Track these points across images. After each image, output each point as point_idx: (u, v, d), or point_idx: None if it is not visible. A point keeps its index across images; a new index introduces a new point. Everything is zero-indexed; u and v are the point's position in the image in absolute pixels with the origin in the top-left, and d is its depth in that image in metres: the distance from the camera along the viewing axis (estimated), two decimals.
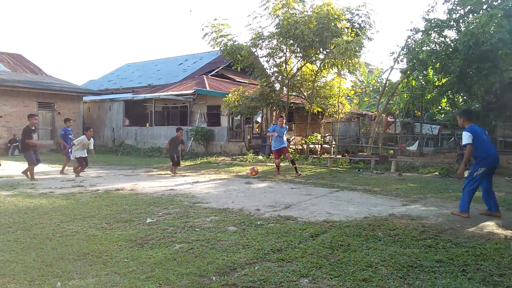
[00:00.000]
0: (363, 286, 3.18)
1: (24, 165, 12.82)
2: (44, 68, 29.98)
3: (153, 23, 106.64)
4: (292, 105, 19.26)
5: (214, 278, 3.32)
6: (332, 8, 15.30)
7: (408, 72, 14.21)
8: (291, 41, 16.14)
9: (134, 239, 4.41)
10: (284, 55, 17.13)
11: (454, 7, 12.89)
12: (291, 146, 17.08)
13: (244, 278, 3.31)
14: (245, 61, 16.77)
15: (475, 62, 11.58)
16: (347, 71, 17.65)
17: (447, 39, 13.14)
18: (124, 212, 5.82)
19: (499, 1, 12.32)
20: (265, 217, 5.56)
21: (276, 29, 16.11)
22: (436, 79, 15.28)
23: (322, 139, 19.38)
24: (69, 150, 11.22)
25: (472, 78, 12.47)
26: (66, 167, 11.48)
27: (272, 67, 17.76)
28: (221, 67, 25.88)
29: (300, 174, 11.03)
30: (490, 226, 5.16)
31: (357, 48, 15.04)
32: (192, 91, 19.90)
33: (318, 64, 17.41)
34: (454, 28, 13.04)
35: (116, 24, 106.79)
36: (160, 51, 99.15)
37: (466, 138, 5.52)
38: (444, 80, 13.86)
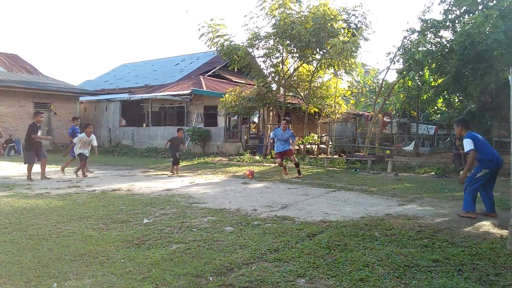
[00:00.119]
0: (360, 286, 3.18)
1: (16, 166, 12.77)
2: (40, 68, 29.82)
3: (149, 23, 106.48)
4: (289, 105, 19.28)
5: (211, 279, 3.32)
6: (328, 8, 15.32)
7: (404, 72, 14.26)
8: (288, 42, 16.16)
9: (131, 240, 4.40)
10: (281, 55, 17.14)
11: (450, 8, 12.94)
12: None
13: (241, 278, 3.31)
14: (241, 62, 16.78)
15: (470, 62, 11.63)
16: (344, 71, 17.71)
17: (443, 40, 13.19)
18: (121, 213, 5.81)
19: (494, 2, 12.38)
20: (262, 217, 5.56)
21: (272, 29, 16.13)
22: (432, 79, 15.33)
23: (319, 139, 19.41)
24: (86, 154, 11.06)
25: (467, 79, 12.52)
26: (66, 168, 11.37)
27: (269, 67, 17.80)
28: (218, 68, 25.88)
29: (301, 176, 10.81)
30: (486, 225, 5.18)
31: (353, 49, 15.08)
32: (189, 91, 19.88)
33: (315, 65, 17.44)
34: (450, 29, 13.09)
35: (113, 24, 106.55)
36: (156, 51, 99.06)
37: (468, 144, 5.54)
38: (440, 81, 13.92)
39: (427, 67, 13.82)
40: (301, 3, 16.36)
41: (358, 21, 16.82)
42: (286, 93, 18.02)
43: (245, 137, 18.99)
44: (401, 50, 13.61)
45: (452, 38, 12.50)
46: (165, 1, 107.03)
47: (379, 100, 17.94)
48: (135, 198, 7.09)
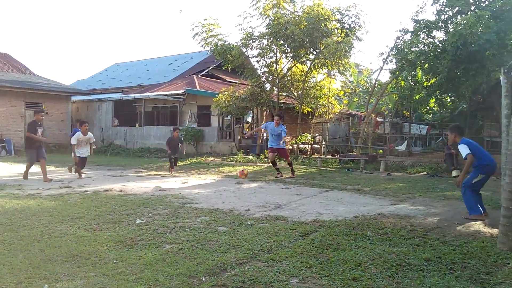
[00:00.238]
0: (353, 285, 3.20)
1: (10, 166, 12.69)
2: (32, 68, 29.61)
3: (143, 23, 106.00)
4: (282, 105, 19.31)
5: (204, 279, 3.31)
6: (322, 8, 15.36)
7: (397, 72, 14.34)
8: (282, 41, 16.17)
9: (124, 240, 4.38)
10: (275, 55, 17.15)
11: (442, 8, 13.04)
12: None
13: (234, 278, 3.31)
14: (235, 61, 16.76)
15: (463, 63, 11.73)
16: (337, 71, 17.75)
17: (436, 40, 13.29)
18: (113, 213, 5.77)
19: (486, 3, 12.50)
20: (255, 217, 5.57)
21: (266, 29, 16.13)
22: (424, 79, 15.45)
23: (312, 139, 19.46)
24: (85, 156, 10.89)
25: (460, 79, 12.63)
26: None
27: (263, 67, 17.80)
28: (211, 67, 25.82)
29: (294, 175, 10.76)
30: (477, 224, 5.23)
31: (347, 49, 15.13)
32: (182, 91, 19.83)
33: (308, 65, 17.48)
34: (443, 29, 13.18)
35: (105, 24, 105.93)
36: (149, 51, 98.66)
37: (465, 149, 5.55)
38: (432, 81, 14.03)
39: (419, 67, 13.92)
40: (295, 3, 16.40)
41: (352, 21, 16.90)
42: (280, 93, 18.04)
43: (239, 137, 18.98)
44: (394, 50, 13.68)
45: (444, 39, 12.60)
46: (158, 0, 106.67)
47: (372, 100, 18.04)
48: (128, 199, 7.05)
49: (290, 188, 8.66)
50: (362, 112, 24.31)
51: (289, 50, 16.74)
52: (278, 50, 16.88)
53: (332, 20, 15.88)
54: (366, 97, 21.26)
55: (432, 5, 13.23)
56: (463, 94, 14.06)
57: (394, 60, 14.13)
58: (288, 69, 17.93)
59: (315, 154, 18.33)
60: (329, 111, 19.57)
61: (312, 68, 17.38)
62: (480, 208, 5.57)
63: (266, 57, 17.24)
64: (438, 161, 12.52)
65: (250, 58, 17.80)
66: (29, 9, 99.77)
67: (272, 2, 15.86)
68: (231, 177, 10.58)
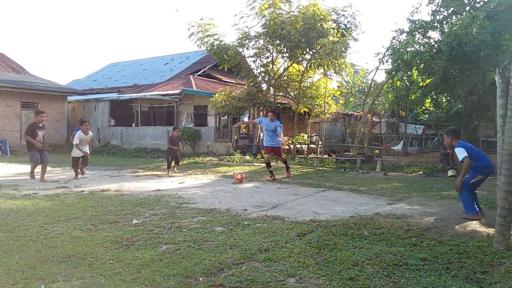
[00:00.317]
0: (350, 285, 3.20)
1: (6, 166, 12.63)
2: (27, 68, 29.46)
3: (139, 23, 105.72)
4: (279, 105, 19.31)
5: (201, 279, 3.31)
6: (318, 8, 15.38)
7: (393, 72, 14.38)
8: (278, 41, 16.18)
9: (120, 241, 4.37)
10: (271, 55, 17.16)
11: (438, 9, 13.08)
12: None
13: (231, 278, 3.31)
14: (231, 61, 16.75)
15: (458, 63, 11.77)
16: (333, 71, 17.78)
17: (431, 40, 13.33)
18: (110, 213, 5.75)
19: (481, 3, 12.55)
20: (252, 217, 5.56)
21: (262, 29, 16.13)
22: (420, 79, 15.49)
23: (309, 139, 19.48)
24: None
25: (455, 79, 12.68)
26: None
27: (259, 67, 17.78)
28: (207, 67, 25.80)
29: (290, 175, 10.74)
30: (473, 224, 5.25)
31: (343, 49, 15.17)
32: (179, 91, 19.79)
33: (305, 65, 17.50)
34: (438, 29, 13.23)
35: (102, 24, 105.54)
36: (146, 51, 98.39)
37: (462, 152, 5.56)
38: (428, 81, 14.07)
39: (415, 68, 13.96)
40: (291, 3, 16.40)
41: (348, 21, 16.93)
42: (276, 93, 18.04)
43: (235, 137, 18.96)
44: (389, 50, 13.73)
45: (440, 39, 12.64)
46: (154, 0, 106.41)
47: (368, 100, 18.10)
48: (124, 199, 7.03)
49: (287, 188, 8.66)
50: (358, 112, 24.38)
51: (285, 50, 16.75)
52: (275, 50, 16.88)
53: (328, 20, 15.90)
54: (362, 97, 21.34)
55: (427, 5, 13.27)
56: (459, 94, 14.11)
57: (390, 60, 14.18)
58: (285, 69, 17.94)
59: (312, 154, 18.36)
60: (326, 111, 19.60)
61: (309, 68, 17.41)
62: (476, 208, 5.61)
63: (263, 57, 17.25)
64: (434, 160, 12.57)
65: (246, 58, 17.80)
66: (24, 9, 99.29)
67: (268, 2, 15.86)
68: (228, 177, 10.57)
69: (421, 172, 11.86)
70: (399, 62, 13.24)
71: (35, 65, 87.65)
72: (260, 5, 15.89)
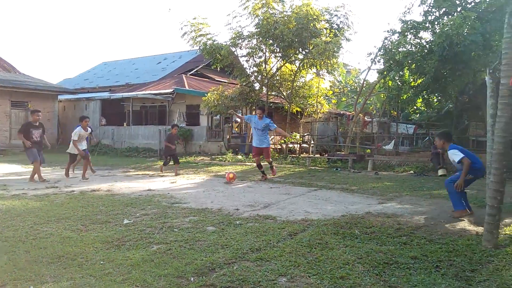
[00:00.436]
0: (340, 284, 3.22)
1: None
2: (17, 66, 29.14)
3: (131, 21, 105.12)
4: (271, 104, 19.34)
5: (192, 279, 3.30)
6: (311, 8, 15.42)
7: (385, 72, 14.46)
8: (271, 41, 16.19)
9: (111, 241, 4.34)
10: (264, 55, 17.17)
11: (429, 9, 13.15)
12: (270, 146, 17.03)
13: (223, 278, 3.30)
14: (224, 61, 16.75)
15: (449, 63, 11.87)
16: (326, 71, 17.84)
17: (423, 41, 13.41)
18: (100, 213, 5.72)
19: (472, 4, 12.65)
20: (244, 217, 5.56)
21: (255, 28, 16.13)
22: (411, 79, 15.59)
23: (301, 139, 19.52)
24: (86, 149, 10.71)
25: (446, 79, 12.77)
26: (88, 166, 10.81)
27: (252, 66, 17.80)
28: (200, 66, 25.74)
29: (275, 174, 10.31)
30: (463, 223, 5.30)
31: (335, 49, 15.22)
32: (171, 90, 19.72)
33: (297, 64, 17.53)
34: (430, 30, 13.31)
35: (93, 22, 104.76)
36: (138, 50, 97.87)
37: (458, 153, 5.60)
38: (419, 81, 14.16)
39: (407, 68, 14.04)
40: (284, 3, 16.42)
41: (340, 21, 16.99)
42: (269, 93, 18.06)
43: (228, 137, 18.94)
44: (381, 50, 13.79)
45: (431, 39, 12.72)
46: None
47: (360, 100, 18.16)
48: (115, 199, 6.98)
49: (278, 187, 8.68)
50: (350, 112, 24.46)
51: (278, 50, 16.77)
52: (267, 50, 16.89)
53: (321, 20, 15.95)
54: (354, 96, 21.40)
55: (419, 6, 13.33)
56: (450, 94, 14.22)
57: (381, 60, 14.23)
58: (277, 69, 17.96)
59: (304, 153, 18.39)
60: (318, 110, 19.65)
61: (301, 68, 17.45)
62: (464, 204, 5.67)
63: (255, 57, 17.25)
64: (425, 160, 12.66)
65: (239, 58, 17.80)
66: (15, 7, 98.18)
67: (261, 2, 15.86)
68: (220, 177, 10.56)
69: (412, 172, 11.94)
70: (391, 62, 13.31)
71: (26, 63, 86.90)
72: (253, 5, 15.89)
